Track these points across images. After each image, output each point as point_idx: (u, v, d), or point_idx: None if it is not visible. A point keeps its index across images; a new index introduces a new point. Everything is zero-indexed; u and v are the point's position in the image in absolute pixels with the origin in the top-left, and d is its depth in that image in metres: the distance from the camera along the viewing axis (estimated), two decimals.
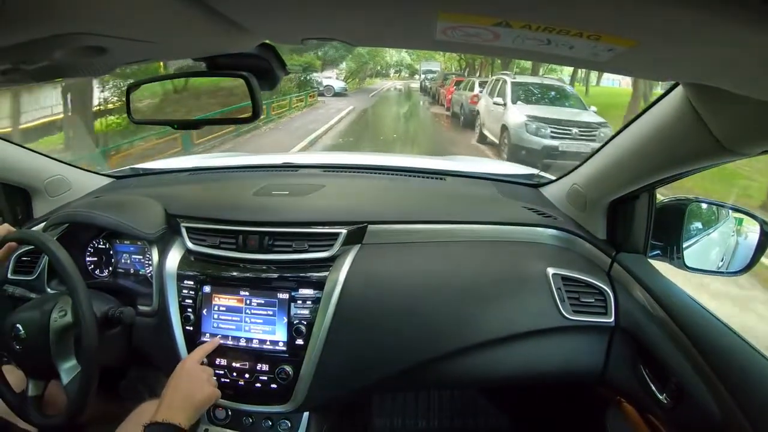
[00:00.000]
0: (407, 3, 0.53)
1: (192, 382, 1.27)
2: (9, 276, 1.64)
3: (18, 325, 1.32)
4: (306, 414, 1.52)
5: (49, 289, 1.60)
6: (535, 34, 0.55)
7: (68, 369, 1.32)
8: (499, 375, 1.50)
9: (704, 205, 1.42)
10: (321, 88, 24.91)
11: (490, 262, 1.51)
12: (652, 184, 1.27)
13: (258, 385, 1.44)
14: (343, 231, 1.47)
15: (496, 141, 11.33)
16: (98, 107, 11.43)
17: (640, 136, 1.19)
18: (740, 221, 1.42)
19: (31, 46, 0.54)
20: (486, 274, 1.48)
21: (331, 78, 28.03)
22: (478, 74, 28.65)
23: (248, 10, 0.57)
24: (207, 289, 1.48)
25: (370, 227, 1.51)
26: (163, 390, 1.25)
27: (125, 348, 1.56)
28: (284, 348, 1.43)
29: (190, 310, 1.48)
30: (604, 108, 12.31)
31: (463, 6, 0.51)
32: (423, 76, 33.55)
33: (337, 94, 25.74)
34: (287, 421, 1.52)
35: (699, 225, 1.42)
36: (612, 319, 1.40)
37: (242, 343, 1.45)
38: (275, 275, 1.46)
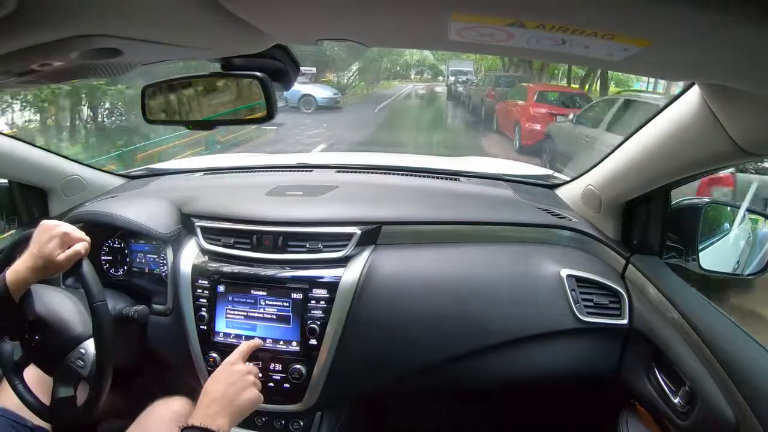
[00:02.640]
0: (420, 4, 0.53)
1: (234, 386, 1.21)
2: None
3: (36, 335, 1.34)
4: (319, 413, 1.52)
5: (63, 287, 1.62)
6: (549, 34, 0.55)
7: (63, 390, 1.33)
8: (513, 377, 1.49)
9: (720, 207, 1.41)
10: (286, 104, 15.78)
11: (504, 263, 1.50)
12: (668, 185, 1.26)
13: (271, 384, 1.44)
14: (358, 231, 1.47)
15: None
16: None
17: (655, 136, 1.19)
18: (756, 222, 1.41)
19: (46, 48, 0.54)
20: (500, 275, 1.48)
21: (315, 84, 17.44)
22: (538, 75, 18.00)
23: (262, 12, 0.58)
24: (221, 288, 1.49)
25: (385, 228, 1.51)
26: (202, 391, 1.21)
27: (139, 346, 1.57)
28: (297, 348, 1.44)
29: (204, 309, 1.49)
30: None
31: (477, 7, 0.51)
32: (452, 79, 25.75)
33: (321, 109, 16.42)
34: (300, 421, 1.52)
35: (715, 227, 1.41)
36: (626, 321, 1.39)
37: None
38: (289, 275, 1.46)
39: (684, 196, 1.41)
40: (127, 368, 1.77)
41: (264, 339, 1.45)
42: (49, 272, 1.28)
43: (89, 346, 1.34)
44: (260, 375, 1.41)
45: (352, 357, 1.41)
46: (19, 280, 1.24)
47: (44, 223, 1.29)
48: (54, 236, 1.26)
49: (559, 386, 1.73)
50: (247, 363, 1.28)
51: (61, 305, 1.40)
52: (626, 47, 0.57)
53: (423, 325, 1.42)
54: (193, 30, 0.61)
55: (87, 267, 1.31)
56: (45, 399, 1.38)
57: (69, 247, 1.28)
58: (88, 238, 1.32)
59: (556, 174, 2.06)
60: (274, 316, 1.46)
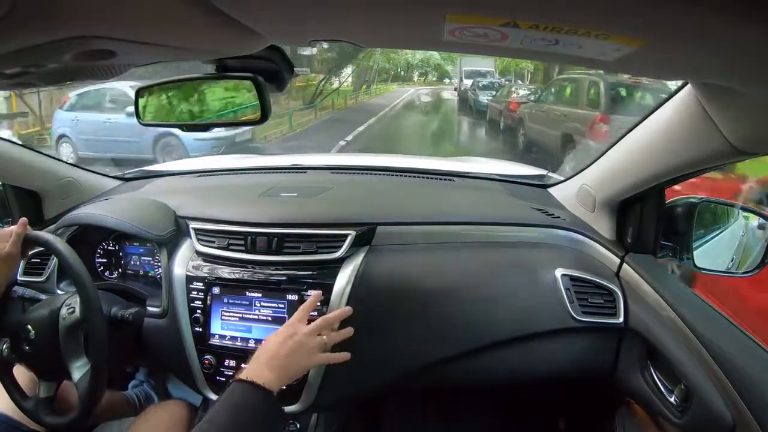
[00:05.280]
0: (414, 4, 0.53)
1: (286, 345, 1.15)
2: (19, 278, 1.65)
3: (28, 326, 1.33)
4: (315, 414, 1.52)
5: (59, 291, 1.61)
6: (543, 34, 0.55)
7: (79, 367, 1.32)
8: (509, 376, 1.50)
9: (714, 205, 1.41)
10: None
11: (499, 263, 1.51)
12: (662, 183, 1.26)
13: None
14: (352, 232, 1.47)
15: None
16: None
17: (648, 135, 1.19)
18: (750, 220, 1.41)
19: (40, 50, 0.54)
20: (495, 275, 1.48)
21: None
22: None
23: (255, 13, 0.58)
24: (216, 290, 1.48)
25: (379, 229, 1.51)
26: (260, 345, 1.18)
27: (134, 349, 1.56)
28: None
29: (199, 311, 1.48)
30: None
31: (471, 7, 0.51)
32: (468, 83, 19.60)
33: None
34: (296, 422, 1.52)
35: (709, 225, 1.41)
36: (621, 320, 1.39)
37: (251, 344, 1.45)
38: (284, 276, 1.46)
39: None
40: (123, 371, 1.76)
41: (259, 341, 1.44)
42: (7, 269, 1.32)
43: (73, 298, 1.36)
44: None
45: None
46: None
47: None
48: None
49: (556, 385, 1.73)
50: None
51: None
52: (620, 47, 0.57)
53: (418, 325, 1.42)
54: (186, 31, 0.61)
55: (52, 237, 1.37)
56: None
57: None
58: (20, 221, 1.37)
59: (551, 174, 2.06)
60: (270, 318, 1.45)
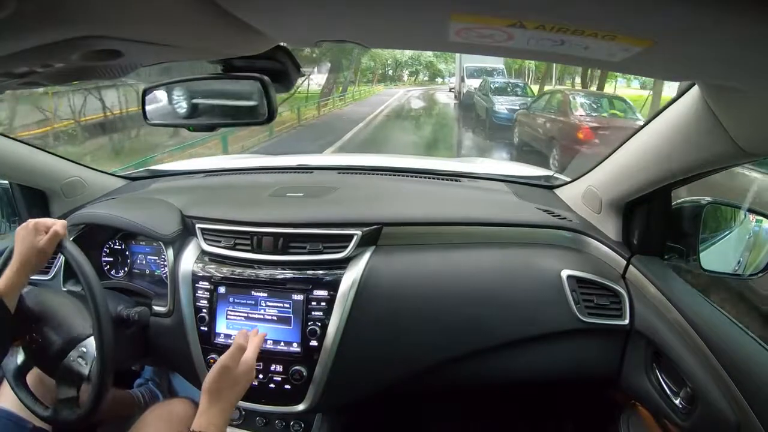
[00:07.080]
0: (420, 5, 0.53)
1: (239, 388, 1.17)
2: None
3: (36, 337, 1.33)
4: (319, 415, 1.52)
5: (64, 289, 1.62)
6: (549, 35, 0.55)
7: (65, 391, 1.33)
8: (514, 377, 1.49)
9: (721, 207, 1.41)
10: None
11: (505, 264, 1.50)
12: (668, 185, 1.26)
13: (271, 385, 1.44)
14: (358, 232, 1.47)
15: None
16: None
17: (655, 137, 1.18)
18: (758, 222, 1.40)
19: (47, 50, 0.54)
20: (500, 276, 1.47)
21: None
22: None
23: (262, 14, 0.58)
24: (222, 290, 1.49)
25: (385, 229, 1.51)
26: (203, 389, 1.15)
27: (140, 348, 1.57)
28: (298, 349, 1.43)
29: (204, 310, 1.49)
30: None
31: (476, 7, 0.51)
32: (470, 84, 16.35)
33: None
34: (300, 422, 1.52)
35: (716, 227, 1.40)
36: (627, 321, 1.39)
37: None
38: (290, 276, 1.46)
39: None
40: (128, 369, 1.77)
41: (265, 340, 1.44)
42: (35, 263, 1.32)
43: (90, 344, 1.33)
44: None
45: (353, 358, 1.41)
46: (10, 285, 1.26)
47: (19, 227, 1.34)
48: (29, 229, 1.32)
49: (561, 387, 1.73)
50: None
51: (61, 306, 1.40)
52: (627, 47, 0.56)
53: (423, 326, 1.42)
54: (193, 31, 0.61)
55: (70, 244, 1.35)
56: (47, 399, 1.37)
57: (46, 233, 1.33)
58: (61, 221, 1.36)
59: (557, 175, 2.05)
60: (275, 317, 1.45)
